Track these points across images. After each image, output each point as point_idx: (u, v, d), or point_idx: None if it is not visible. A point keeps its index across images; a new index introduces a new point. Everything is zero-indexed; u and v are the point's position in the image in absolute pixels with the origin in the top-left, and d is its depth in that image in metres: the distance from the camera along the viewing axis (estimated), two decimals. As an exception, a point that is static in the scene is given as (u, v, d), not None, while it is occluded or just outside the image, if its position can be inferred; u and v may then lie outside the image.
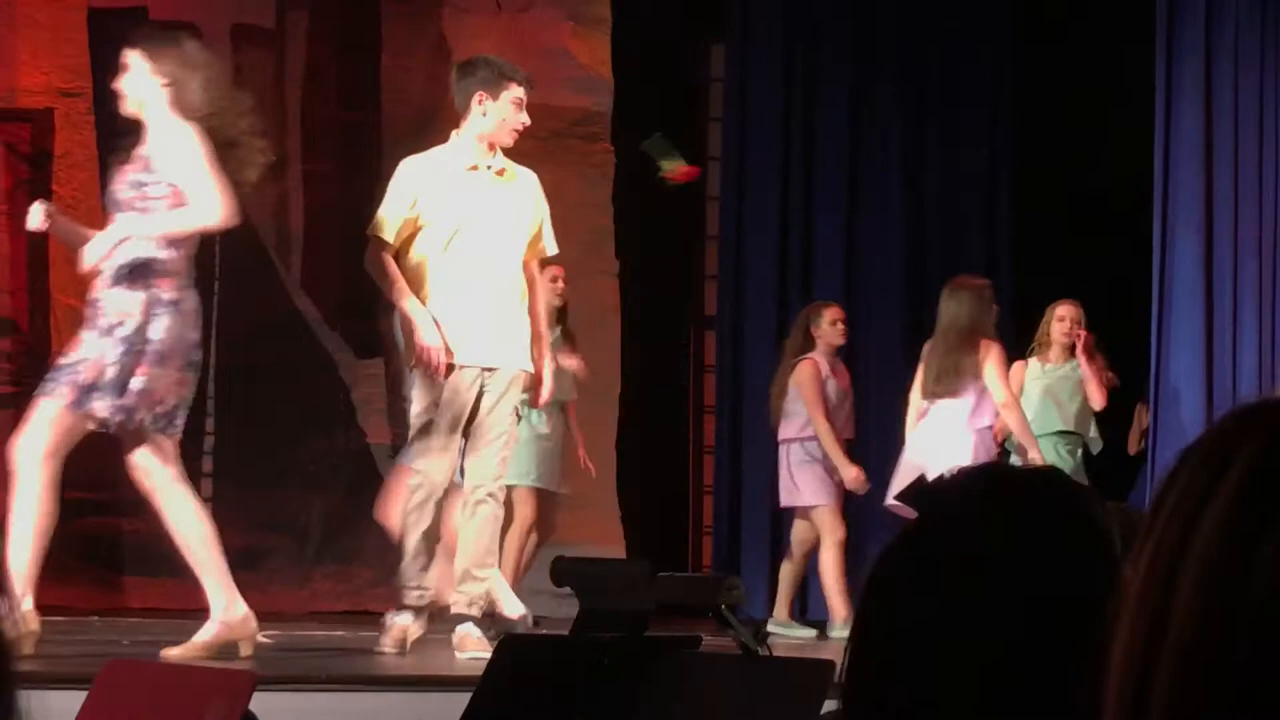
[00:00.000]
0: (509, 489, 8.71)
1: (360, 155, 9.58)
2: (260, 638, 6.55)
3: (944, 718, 1.41)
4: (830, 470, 8.97)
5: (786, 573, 9.19)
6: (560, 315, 9.06)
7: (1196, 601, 1.03)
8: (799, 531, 9.13)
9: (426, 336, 6.69)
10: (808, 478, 8.96)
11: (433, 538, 6.81)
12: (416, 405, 6.83)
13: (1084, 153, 10.33)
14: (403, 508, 6.88)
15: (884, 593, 1.47)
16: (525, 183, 6.96)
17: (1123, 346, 9.06)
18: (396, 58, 10.11)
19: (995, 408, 8.43)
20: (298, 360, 9.80)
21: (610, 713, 3.72)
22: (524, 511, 8.90)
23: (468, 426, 6.77)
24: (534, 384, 6.99)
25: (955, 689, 1.41)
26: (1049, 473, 1.57)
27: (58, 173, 9.36)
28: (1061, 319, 8.84)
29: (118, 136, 9.39)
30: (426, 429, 6.77)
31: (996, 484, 1.53)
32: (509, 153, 6.96)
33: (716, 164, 10.90)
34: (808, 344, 9.08)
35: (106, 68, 9.56)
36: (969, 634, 1.41)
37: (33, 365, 9.11)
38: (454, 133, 6.94)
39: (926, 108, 10.69)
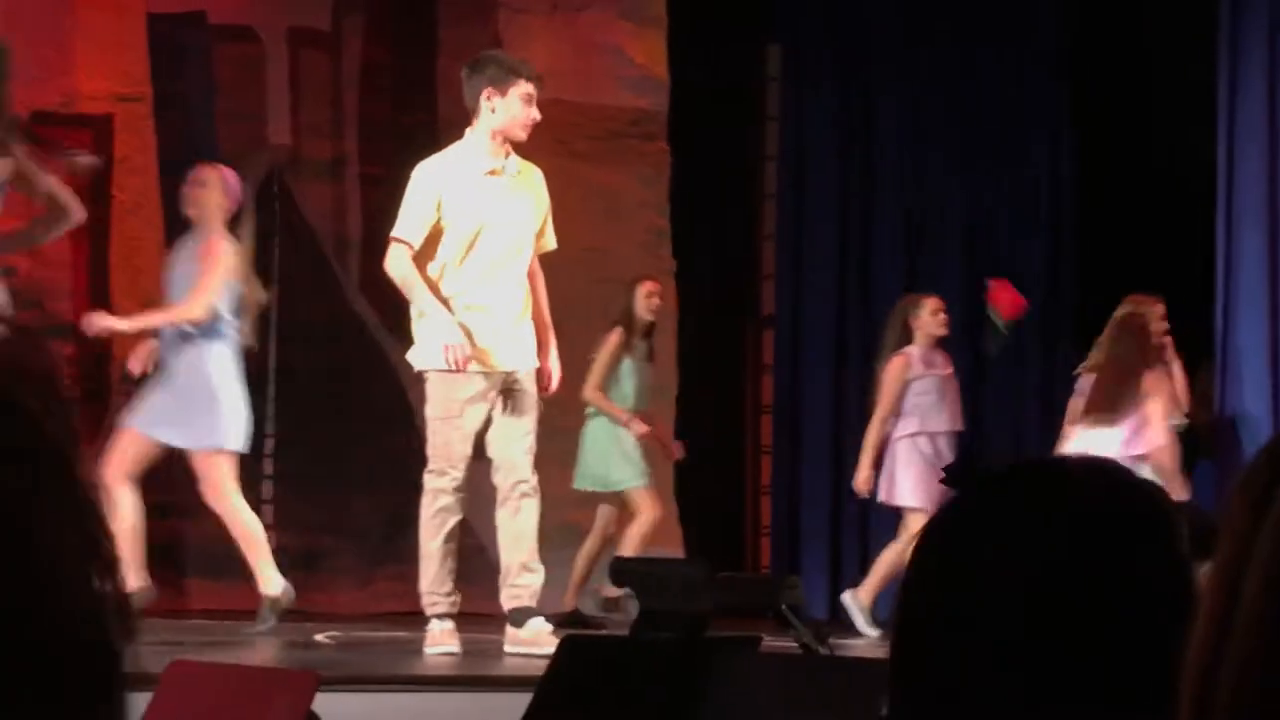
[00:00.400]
0: (627, 492, 8.88)
1: (417, 157, 9.54)
2: (322, 638, 6.57)
3: (985, 710, 1.40)
4: (935, 473, 8.89)
5: (885, 560, 9.01)
6: (649, 329, 9.10)
7: (1259, 602, 1.03)
8: (910, 523, 9.01)
9: (451, 337, 6.68)
10: (910, 477, 8.87)
11: (454, 542, 6.82)
12: (433, 410, 6.82)
13: (1145, 150, 10.26)
14: (423, 515, 6.87)
15: (925, 583, 1.45)
16: (535, 180, 6.96)
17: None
18: (452, 59, 10.11)
19: (1149, 440, 8.27)
20: (356, 362, 9.82)
21: (670, 713, 3.71)
22: (655, 511, 8.97)
23: (485, 429, 6.77)
24: (543, 375, 6.96)
25: (999, 682, 1.39)
26: (1106, 465, 1.50)
27: (117, 177, 9.39)
28: (1162, 318, 8.67)
29: (178, 141, 9.47)
30: (444, 433, 6.77)
31: (1048, 476, 1.48)
32: (525, 149, 6.96)
33: (773, 163, 10.88)
34: (905, 336, 8.97)
35: (166, 72, 9.66)
36: (1015, 624, 1.39)
37: (94, 370, 9.16)
38: (468, 130, 6.96)
39: (984, 104, 10.64)
